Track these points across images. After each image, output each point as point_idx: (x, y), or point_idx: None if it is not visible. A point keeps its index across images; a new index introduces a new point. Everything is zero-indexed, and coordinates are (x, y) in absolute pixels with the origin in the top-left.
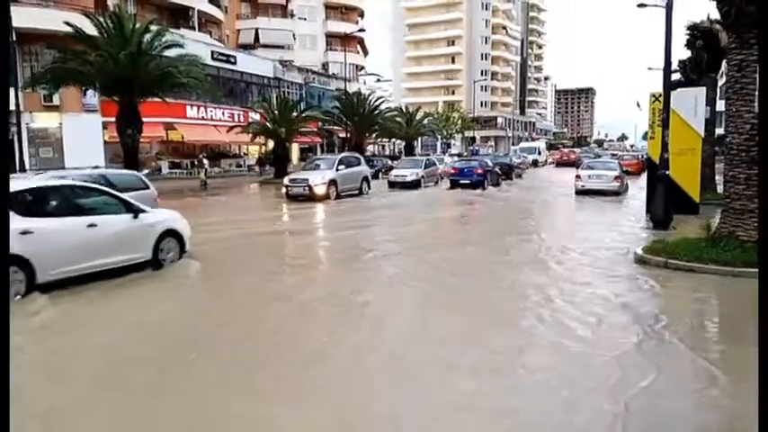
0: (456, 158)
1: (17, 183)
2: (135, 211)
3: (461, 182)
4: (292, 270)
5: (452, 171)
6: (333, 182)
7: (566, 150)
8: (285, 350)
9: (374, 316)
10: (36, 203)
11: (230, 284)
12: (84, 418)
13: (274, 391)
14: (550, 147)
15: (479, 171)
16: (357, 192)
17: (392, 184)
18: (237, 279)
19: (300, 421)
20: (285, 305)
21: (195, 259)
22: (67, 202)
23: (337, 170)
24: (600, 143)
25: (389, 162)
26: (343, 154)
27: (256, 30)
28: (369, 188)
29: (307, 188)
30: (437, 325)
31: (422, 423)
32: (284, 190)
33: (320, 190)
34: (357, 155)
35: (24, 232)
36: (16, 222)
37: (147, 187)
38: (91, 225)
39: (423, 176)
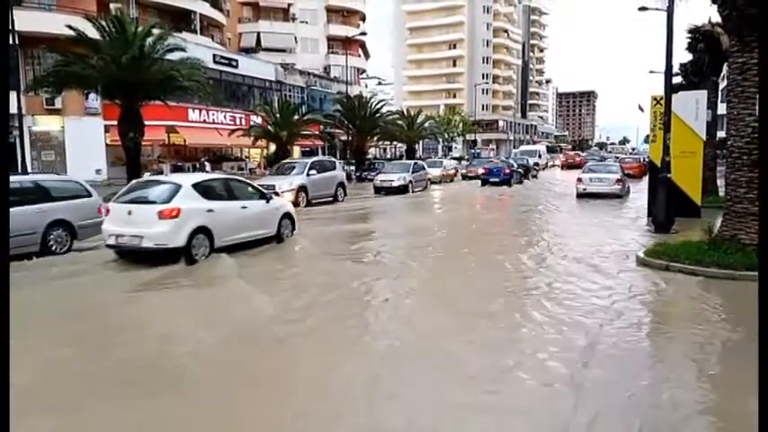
0: (455, 161)
1: (196, 176)
2: (266, 198)
3: (491, 180)
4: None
5: (483, 171)
6: (302, 188)
7: (571, 153)
8: None
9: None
10: (211, 190)
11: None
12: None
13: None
14: (550, 150)
15: (507, 171)
16: (331, 199)
17: (378, 189)
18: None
19: None
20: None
21: (302, 236)
22: (228, 189)
23: (308, 175)
24: (601, 146)
25: None
26: (315, 158)
27: (258, 33)
28: (345, 194)
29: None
30: None
31: None
32: None
33: (287, 197)
34: (332, 159)
35: (209, 210)
36: (203, 203)
37: (90, 195)
38: (243, 207)
39: (411, 181)
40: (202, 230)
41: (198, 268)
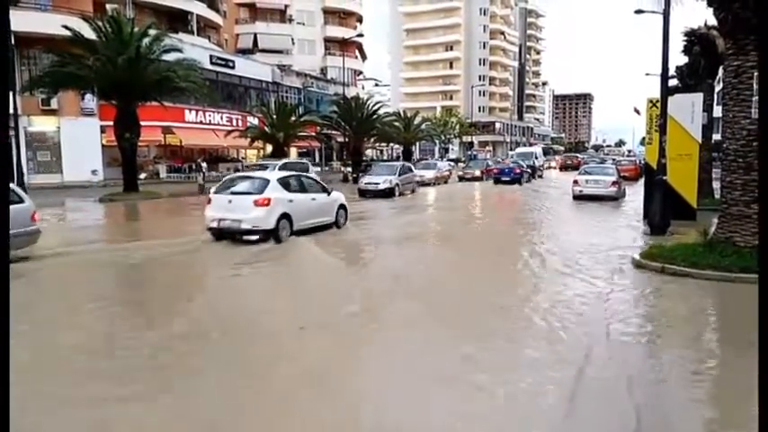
0: (448, 163)
1: (279, 173)
2: (328, 192)
3: (503, 179)
4: None
5: (496, 171)
6: None
7: (570, 155)
8: None
9: None
10: (290, 184)
11: (378, 232)
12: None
13: None
14: (544, 152)
15: (517, 171)
16: None
17: (363, 193)
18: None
19: None
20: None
21: (354, 224)
22: (301, 184)
23: None
24: (597, 148)
25: None
26: (284, 160)
27: (255, 34)
28: None
29: None
30: None
31: None
32: None
33: None
34: (305, 161)
35: (290, 200)
36: (285, 194)
37: (22, 201)
38: (312, 199)
39: (397, 184)
40: (285, 216)
41: (284, 246)
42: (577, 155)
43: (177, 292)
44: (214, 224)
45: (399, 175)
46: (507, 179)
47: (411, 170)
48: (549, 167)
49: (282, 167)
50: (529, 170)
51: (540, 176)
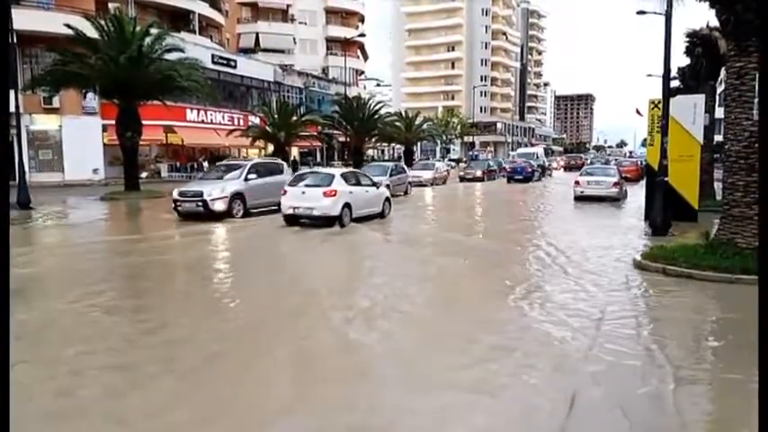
0: (445, 163)
1: (341, 169)
2: (377, 186)
3: (515, 177)
4: None
5: (509, 170)
6: (238, 195)
7: (573, 155)
8: None
9: None
10: (349, 178)
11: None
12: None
13: None
14: (545, 153)
15: (528, 169)
16: (276, 207)
17: None
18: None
19: None
20: None
21: (397, 214)
22: (357, 178)
23: (246, 180)
24: (598, 149)
25: None
26: (256, 159)
27: (257, 34)
28: None
29: (200, 204)
30: None
31: None
32: (173, 205)
33: (219, 206)
34: (279, 161)
35: (350, 192)
36: (347, 187)
37: None
38: (366, 191)
39: (388, 185)
40: (347, 205)
41: (347, 230)
42: (581, 155)
43: (277, 264)
44: (290, 211)
45: (391, 175)
46: (520, 177)
47: (404, 171)
48: (550, 167)
49: (252, 168)
50: (539, 169)
51: (550, 175)
